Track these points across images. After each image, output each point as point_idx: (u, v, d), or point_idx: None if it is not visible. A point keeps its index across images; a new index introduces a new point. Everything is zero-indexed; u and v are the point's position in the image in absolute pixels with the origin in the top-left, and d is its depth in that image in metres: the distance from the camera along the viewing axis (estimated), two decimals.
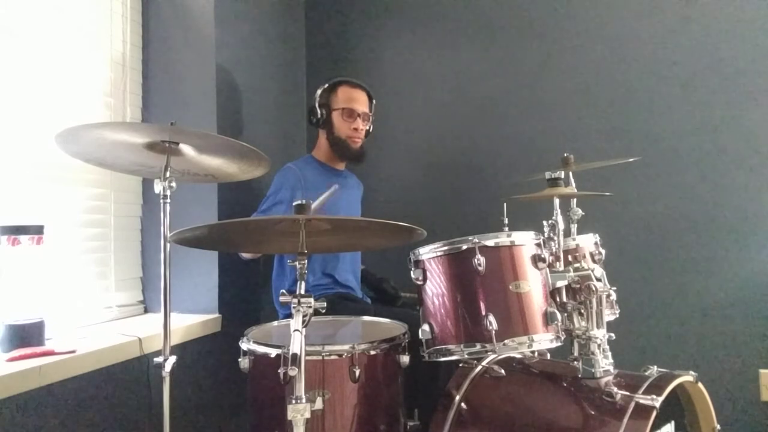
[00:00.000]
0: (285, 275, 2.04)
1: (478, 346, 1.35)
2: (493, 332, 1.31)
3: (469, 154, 2.55)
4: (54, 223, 1.61)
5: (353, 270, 2.15)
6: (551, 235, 1.49)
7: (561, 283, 1.42)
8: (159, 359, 1.35)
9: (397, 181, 2.65)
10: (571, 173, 1.69)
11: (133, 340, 1.56)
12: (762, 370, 2.16)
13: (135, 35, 2.00)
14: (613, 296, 1.45)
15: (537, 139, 2.44)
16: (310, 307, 1.14)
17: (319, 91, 2.11)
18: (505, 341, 1.33)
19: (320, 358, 1.30)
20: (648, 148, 2.27)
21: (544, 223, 1.51)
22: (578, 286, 1.41)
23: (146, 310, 2.00)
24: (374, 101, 2.18)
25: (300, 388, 1.08)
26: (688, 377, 1.33)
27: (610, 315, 1.52)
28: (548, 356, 1.67)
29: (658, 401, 1.19)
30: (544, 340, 1.37)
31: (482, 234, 1.38)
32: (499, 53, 2.53)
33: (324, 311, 1.19)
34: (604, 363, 1.38)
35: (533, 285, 1.38)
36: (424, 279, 1.44)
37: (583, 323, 1.40)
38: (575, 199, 1.68)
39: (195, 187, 1.90)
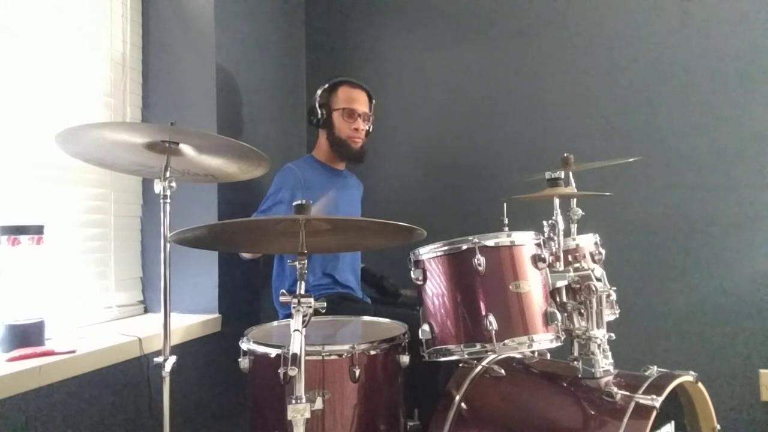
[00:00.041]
0: (285, 275, 2.04)
1: (478, 346, 1.35)
2: (493, 332, 1.31)
3: (469, 154, 2.55)
4: (54, 223, 1.61)
5: (353, 270, 2.15)
6: (551, 235, 1.49)
7: (561, 283, 1.42)
8: (159, 359, 1.35)
9: (397, 181, 2.65)
10: (571, 173, 1.69)
11: (133, 340, 1.56)
12: (762, 370, 2.16)
13: (135, 35, 2.01)
14: (613, 296, 1.45)
15: (537, 139, 2.44)
16: (310, 307, 1.14)
17: (319, 91, 2.11)
18: (505, 341, 1.33)
19: (320, 358, 1.30)
20: (648, 148, 2.26)
21: (544, 223, 1.51)
22: (578, 286, 1.41)
23: (146, 310, 2.00)
24: (374, 101, 2.18)
25: (300, 388, 1.08)
26: (688, 377, 1.33)
27: (610, 315, 1.52)
28: (548, 356, 1.67)
29: (658, 401, 1.19)
30: (544, 340, 1.37)
31: (482, 234, 1.38)
32: (499, 53, 2.53)
33: (324, 311, 1.19)
34: (604, 363, 1.38)
35: (533, 285, 1.38)
36: (424, 279, 1.44)
37: (583, 323, 1.40)
38: (575, 199, 1.68)
39: (195, 187, 1.90)
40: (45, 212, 1.61)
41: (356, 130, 2.08)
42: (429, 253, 1.43)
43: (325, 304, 1.18)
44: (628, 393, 1.24)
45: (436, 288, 1.42)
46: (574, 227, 1.68)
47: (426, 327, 1.43)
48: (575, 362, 1.40)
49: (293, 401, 1.08)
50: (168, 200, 1.37)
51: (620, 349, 1.49)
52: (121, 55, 1.94)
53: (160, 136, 1.31)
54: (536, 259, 1.40)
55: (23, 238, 1.38)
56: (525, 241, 1.40)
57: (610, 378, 1.36)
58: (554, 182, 1.52)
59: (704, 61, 2.25)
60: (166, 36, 2.03)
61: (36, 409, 1.32)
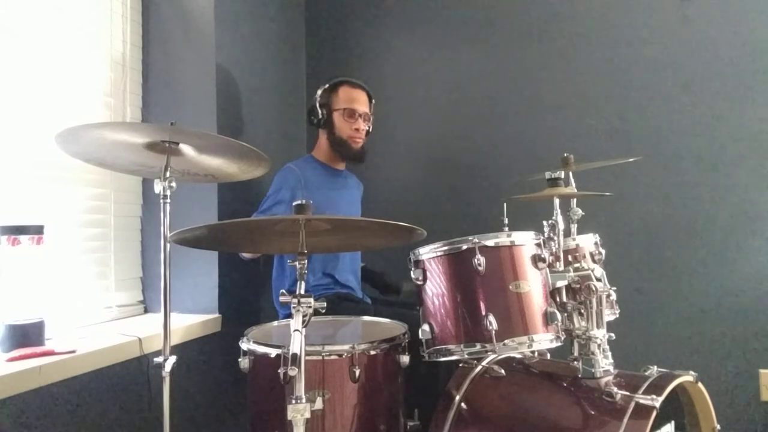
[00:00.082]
0: (285, 275, 2.04)
1: (478, 346, 1.35)
2: (493, 332, 1.31)
3: (469, 154, 2.55)
4: (54, 223, 1.61)
5: (353, 270, 2.15)
6: (551, 235, 1.49)
7: (561, 283, 1.42)
8: (159, 359, 1.35)
9: (397, 181, 2.65)
10: (571, 173, 1.69)
11: (133, 340, 1.56)
12: (762, 370, 2.16)
13: (135, 35, 2.00)
14: (613, 296, 1.45)
15: (537, 139, 2.44)
16: (310, 307, 1.14)
17: (319, 92, 2.11)
18: (505, 341, 1.33)
19: (320, 358, 1.30)
20: (648, 148, 2.26)
21: (544, 223, 1.51)
22: (578, 286, 1.41)
23: (146, 310, 2.00)
24: (374, 101, 2.18)
25: (300, 388, 1.08)
26: (688, 377, 1.33)
27: (610, 315, 1.52)
28: (548, 356, 1.67)
29: (658, 401, 1.19)
30: (544, 340, 1.37)
31: (482, 234, 1.38)
32: (499, 53, 2.53)
33: (324, 311, 1.19)
34: (604, 363, 1.38)
35: (533, 285, 1.38)
36: (424, 279, 1.44)
37: (583, 323, 1.40)
38: (575, 199, 1.68)
39: (195, 187, 1.90)
40: (45, 212, 1.61)
41: (357, 130, 2.08)
42: (429, 253, 1.43)
43: (325, 304, 1.18)
44: (628, 393, 1.24)
45: (436, 288, 1.42)
46: (574, 227, 1.68)
47: (426, 327, 1.43)
48: (575, 362, 1.40)
49: (293, 401, 1.08)
50: (168, 200, 1.37)
51: (620, 349, 1.49)
52: (121, 55, 1.94)
53: (160, 136, 1.31)
54: (536, 259, 1.40)
55: (23, 238, 1.38)
56: (525, 241, 1.40)
57: (610, 378, 1.36)
58: (554, 182, 1.52)
59: (704, 61, 2.25)
60: (166, 36, 2.03)
61: (36, 409, 1.32)
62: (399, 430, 1.44)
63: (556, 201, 1.49)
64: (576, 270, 1.43)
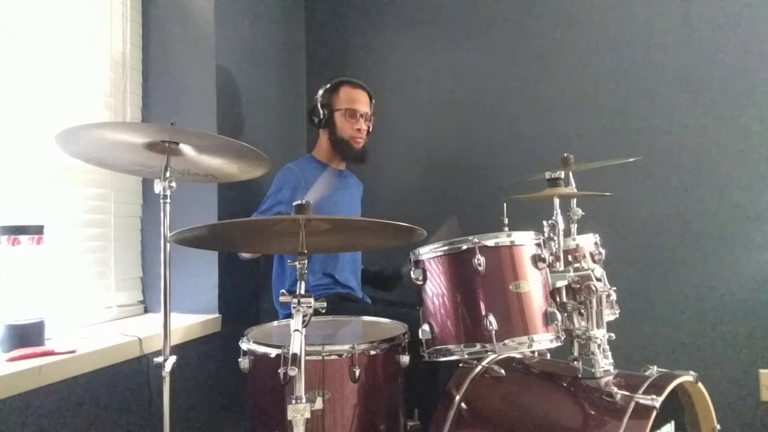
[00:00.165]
0: (285, 275, 2.04)
1: (478, 346, 1.35)
2: (493, 332, 1.32)
3: (469, 154, 2.55)
4: (54, 223, 1.61)
5: (353, 270, 2.15)
6: (551, 235, 1.49)
7: (561, 283, 1.42)
8: (159, 359, 1.35)
9: (397, 181, 2.65)
10: (571, 173, 1.69)
11: (133, 340, 1.56)
12: (762, 370, 2.16)
13: (135, 35, 2.00)
14: (613, 296, 1.45)
15: (537, 139, 2.44)
16: (310, 307, 1.14)
17: (320, 92, 2.11)
18: (505, 341, 1.33)
19: (320, 358, 1.30)
20: (648, 148, 2.26)
21: (544, 223, 1.51)
22: (578, 286, 1.41)
23: (146, 310, 2.00)
24: (374, 101, 2.18)
25: (300, 388, 1.08)
26: (688, 377, 1.33)
27: (610, 315, 1.52)
28: (548, 356, 1.67)
29: (658, 401, 1.19)
30: (544, 340, 1.37)
31: (482, 234, 1.38)
32: (499, 53, 2.53)
33: (324, 311, 1.19)
34: (604, 363, 1.38)
35: (533, 285, 1.38)
36: (424, 279, 1.44)
37: (583, 323, 1.40)
38: (575, 199, 1.68)
39: (195, 187, 1.90)
40: (45, 212, 1.61)
41: (358, 130, 2.08)
42: (429, 253, 1.43)
43: (325, 304, 1.18)
44: (628, 393, 1.24)
45: (436, 288, 1.42)
46: (574, 227, 1.68)
47: (426, 327, 1.43)
48: (575, 362, 1.40)
49: (293, 401, 1.08)
50: (168, 200, 1.37)
51: (620, 349, 1.49)
52: (121, 55, 1.94)
53: (160, 136, 1.31)
54: (536, 259, 1.40)
55: (23, 238, 1.38)
56: (525, 241, 1.40)
57: (610, 378, 1.36)
58: (554, 182, 1.52)
59: (704, 61, 2.25)
60: (166, 36, 2.03)
61: (36, 409, 1.32)
62: (399, 430, 1.44)
63: (556, 201, 1.49)
64: (576, 270, 1.43)
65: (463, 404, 1.44)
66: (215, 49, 2.01)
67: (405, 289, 2.15)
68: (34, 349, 1.36)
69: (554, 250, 1.48)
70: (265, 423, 1.39)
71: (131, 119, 1.95)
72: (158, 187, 1.35)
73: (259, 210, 1.99)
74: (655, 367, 1.37)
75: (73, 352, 1.40)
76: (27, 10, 1.59)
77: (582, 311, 1.41)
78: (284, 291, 1.18)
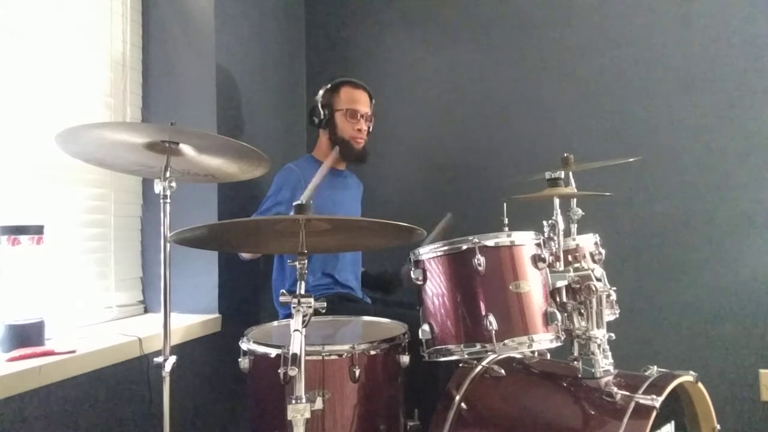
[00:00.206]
0: (285, 275, 2.04)
1: (478, 346, 1.35)
2: (493, 332, 1.31)
3: (469, 154, 2.55)
4: (54, 223, 1.61)
5: (353, 270, 2.15)
6: (551, 235, 1.49)
7: (561, 283, 1.42)
8: (159, 359, 1.35)
9: (397, 181, 2.65)
10: (571, 173, 1.69)
11: (133, 340, 1.56)
12: (762, 370, 2.16)
13: (135, 35, 2.00)
14: (613, 296, 1.45)
15: (537, 139, 2.44)
16: (310, 307, 1.14)
17: (321, 92, 2.11)
18: (505, 341, 1.33)
19: (320, 358, 1.30)
20: (648, 148, 2.26)
21: (544, 223, 1.51)
22: (578, 286, 1.41)
23: (146, 310, 2.00)
24: (374, 101, 2.18)
25: (300, 388, 1.08)
26: (688, 377, 1.33)
27: (610, 315, 1.52)
28: (548, 356, 1.67)
29: (658, 401, 1.19)
30: (544, 340, 1.37)
31: (482, 234, 1.38)
32: (499, 53, 2.53)
33: (324, 311, 1.19)
34: (604, 363, 1.38)
35: (533, 285, 1.38)
36: (424, 279, 1.44)
37: (583, 323, 1.40)
38: (575, 199, 1.68)
39: (195, 187, 1.90)
40: (45, 212, 1.61)
41: (359, 130, 2.08)
42: (429, 253, 1.43)
43: (325, 304, 1.18)
44: (628, 393, 1.24)
45: (436, 288, 1.42)
46: (574, 227, 1.68)
47: (426, 327, 1.43)
48: (575, 362, 1.40)
49: (293, 401, 1.08)
50: (168, 200, 1.37)
51: (620, 349, 1.49)
52: (121, 55, 1.94)
53: (160, 136, 1.31)
54: (536, 259, 1.40)
55: (23, 238, 1.38)
56: (525, 241, 1.40)
57: (610, 378, 1.36)
58: (554, 182, 1.52)
59: (704, 61, 2.25)
60: (166, 36, 2.03)
61: (36, 409, 1.32)
62: (399, 430, 1.44)
63: (556, 201, 1.49)
64: (576, 270, 1.43)
65: (463, 404, 1.44)
66: (215, 49, 2.01)
67: (405, 290, 2.16)
68: (34, 349, 1.36)
69: (554, 250, 1.48)
70: (265, 423, 1.40)
71: (131, 119, 1.95)
72: (158, 187, 1.35)
73: (259, 210, 1.99)
74: (655, 367, 1.37)
75: (73, 352, 1.40)
76: (27, 10, 1.59)
77: (582, 311, 1.41)
78: (284, 291, 1.18)
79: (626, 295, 1.65)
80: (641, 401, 1.21)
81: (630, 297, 2.17)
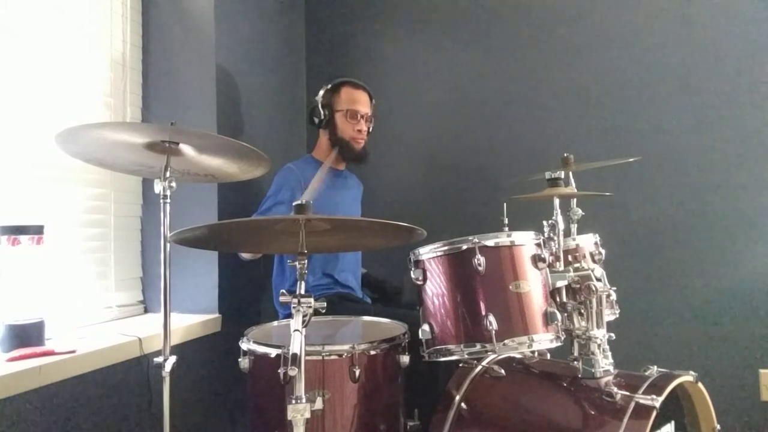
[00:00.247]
0: (285, 275, 2.04)
1: (478, 346, 1.35)
2: (493, 332, 1.31)
3: (469, 154, 2.55)
4: (54, 223, 1.61)
5: (353, 270, 2.15)
6: (551, 235, 1.49)
7: (561, 283, 1.42)
8: (159, 359, 1.35)
9: (397, 181, 2.65)
10: (571, 173, 1.69)
11: (133, 340, 1.56)
12: (762, 370, 2.16)
13: (135, 35, 2.00)
14: (613, 296, 1.45)
15: (537, 139, 2.44)
16: (310, 307, 1.14)
17: (321, 92, 2.11)
18: (505, 341, 1.33)
19: (320, 358, 1.30)
20: (648, 148, 2.26)
21: (544, 223, 1.51)
22: (578, 286, 1.41)
23: (146, 310, 2.00)
24: (374, 101, 2.18)
25: (300, 388, 1.08)
26: (688, 377, 1.33)
27: (610, 315, 1.52)
28: (548, 356, 1.67)
29: (658, 401, 1.19)
30: (544, 340, 1.37)
31: (482, 234, 1.38)
32: (499, 53, 2.53)
33: (324, 311, 1.19)
34: (604, 363, 1.38)
35: (533, 285, 1.38)
36: (424, 279, 1.44)
37: (583, 323, 1.40)
38: (575, 199, 1.68)
39: (195, 187, 1.90)
40: (45, 212, 1.61)
41: (359, 131, 2.08)
42: (429, 253, 1.43)
43: (325, 304, 1.18)
44: (628, 393, 1.24)
45: (436, 288, 1.42)
46: (574, 227, 1.68)
47: (426, 327, 1.43)
48: (575, 362, 1.40)
49: (293, 401, 1.08)
50: (168, 200, 1.37)
51: (620, 349, 1.49)
52: (121, 55, 1.94)
53: (160, 136, 1.31)
54: (536, 259, 1.40)
55: (23, 238, 1.38)
56: (525, 241, 1.40)
57: (610, 378, 1.36)
58: (554, 182, 1.52)
59: (704, 61, 2.25)
60: (166, 36, 2.03)
61: (36, 409, 1.32)
62: (399, 430, 1.44)
63: (556, 201, 1.49)
64: (576, 270, 1.43)
65: (463, 404, 1.44)
66: (215, 49, 2.01)
67: (405, 294, 2.16)
68: (34, 349, 1.36)
69: (554, 250, 1.48)
70: (265, 423, 1.40)
71: (131, 119, 1.95)
72: (158, 187, 1.35)
73: (259, 210, 1.98)
74: (655, 367, 1.37)
75: (73, 352, 1.40)
76: (27, 10, 1.59)
77: (582, 311, 1.41)
78: (284, 291, 1.18)
79: (626, 295, 1.65)
80: (641, 401, 1.21)
81: (630, 297, 2.17)
